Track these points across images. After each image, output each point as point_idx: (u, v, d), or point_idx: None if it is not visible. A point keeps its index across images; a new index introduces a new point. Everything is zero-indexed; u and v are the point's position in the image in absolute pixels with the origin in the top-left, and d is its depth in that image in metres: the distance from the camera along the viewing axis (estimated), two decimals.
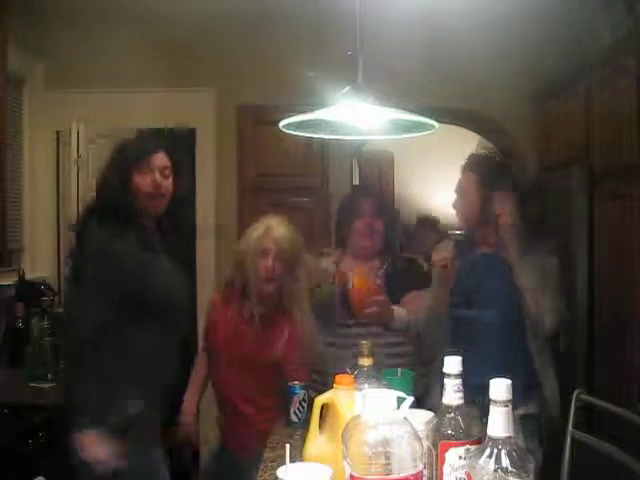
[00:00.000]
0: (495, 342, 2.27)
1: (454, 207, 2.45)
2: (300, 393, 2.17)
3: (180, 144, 3.86)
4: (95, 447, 1.91)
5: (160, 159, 2.16)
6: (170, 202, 2.20)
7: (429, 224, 4.66)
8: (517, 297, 2.24)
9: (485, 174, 2.37)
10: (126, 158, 2.14)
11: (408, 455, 1.09)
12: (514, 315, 2.26)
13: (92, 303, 1.97)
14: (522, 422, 2.10)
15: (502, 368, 2.03)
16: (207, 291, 3.72)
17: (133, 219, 2.10)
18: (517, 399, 2.00)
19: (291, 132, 1.79)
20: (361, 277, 2.53)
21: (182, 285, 2.22)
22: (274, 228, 2.43)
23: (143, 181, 2.11)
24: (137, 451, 1.98)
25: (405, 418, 1.13)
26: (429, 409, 1.38)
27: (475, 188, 2.36)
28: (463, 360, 1.15)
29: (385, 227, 2.65)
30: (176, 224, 2.29)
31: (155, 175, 2.13)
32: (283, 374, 2.29)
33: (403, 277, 2.60)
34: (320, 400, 1.54)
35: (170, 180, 2.18)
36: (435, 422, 1.22)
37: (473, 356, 2.13)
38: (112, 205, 2.08)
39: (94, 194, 2.21)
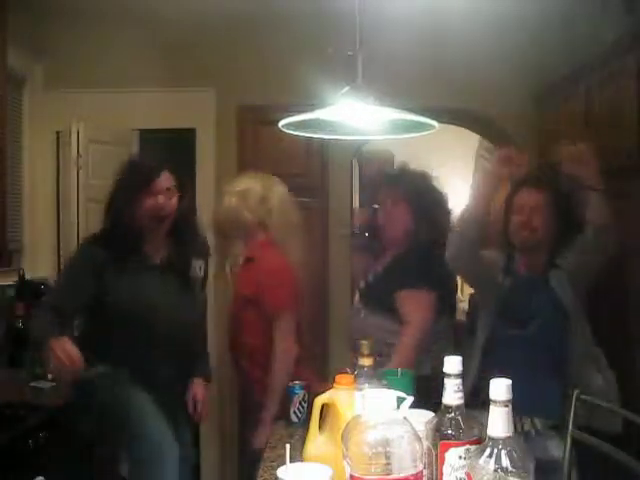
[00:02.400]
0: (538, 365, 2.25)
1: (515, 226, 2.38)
2: (300, 393, 2.17)
3: (180, 144, 3.88)
4: (65, 351, 2.02)
5: (164, 180, 2.21)
6: (175, 218, 2.25)
7: None
8: (561, 317, 2.26)
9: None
10: (130, 184, 2.21)
11: (408, 455, 1.09)
12: (559, 333, 2.26)
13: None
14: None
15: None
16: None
17: (137, 242, 2.16)
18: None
19: (291, 132, 1.79)
20: None
21: (175, 304, 2.31)
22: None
23: (148, 205, 2.19)
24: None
25: (405, 418, 1.13)
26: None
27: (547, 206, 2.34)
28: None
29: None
30: (182, 239, 2.32)
31: (159, 198, 2.17)
32: None
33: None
34: (320, 400, 1.54)
35: (174, 199, 2.22)
36: (435, 422, 1.22)
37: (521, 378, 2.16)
38: (118, 231, 2.18)
39: (102, 220, 2.30)
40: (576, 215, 2.33)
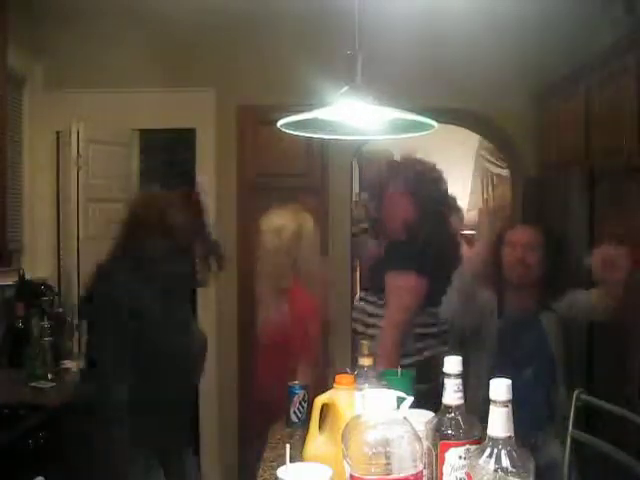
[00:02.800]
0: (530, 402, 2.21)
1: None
2: (300, 393, 2.17)
3: (180, 144, 3.88)
4: None
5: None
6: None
7: None
8: (552, 357, 2.28)
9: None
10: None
11: (408, 455, 1.09)
12: (549, 375, 2.28)
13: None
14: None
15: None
16: (207, 291, 3.74)
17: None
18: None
19: (290, 132, 1.79)
20: None
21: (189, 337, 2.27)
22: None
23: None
24: None
25: (405, 418, 1.13)
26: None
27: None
28: None
29: None
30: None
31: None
32: None
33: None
34: (320, 400, 1.54)
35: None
36: (435, 422, 1.22)
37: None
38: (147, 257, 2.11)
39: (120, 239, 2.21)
40: (567, 259, 2.35)
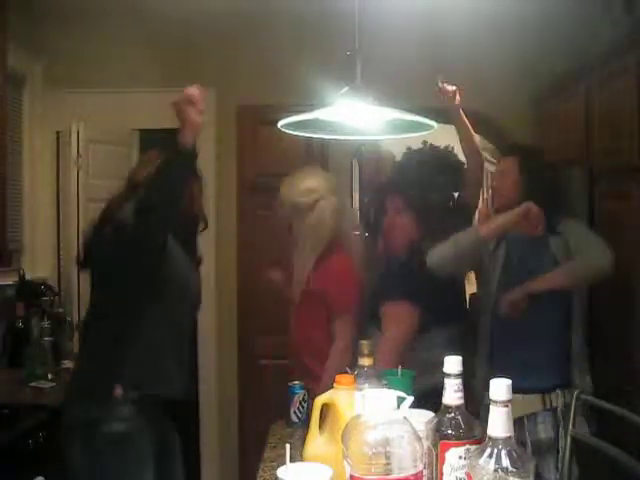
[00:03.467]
0: (547, 328, 2.32)
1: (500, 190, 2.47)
2: (300, 393, 2.17)
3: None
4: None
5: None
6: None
7: None
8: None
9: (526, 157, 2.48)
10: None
11: (408, 455, 1.09)
12: (562, 305, 2.33)
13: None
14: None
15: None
16: (207, 291, 3.74)
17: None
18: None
19: (290, 132, 1.79)
20: None
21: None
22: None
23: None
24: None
25: (405, 418, 1.13)
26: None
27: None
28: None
29: None
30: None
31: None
32: None
33: None
34: (320, 400, 1.54)
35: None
36: (435, 422, 1.22)
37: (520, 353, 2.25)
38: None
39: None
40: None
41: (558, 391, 2.26)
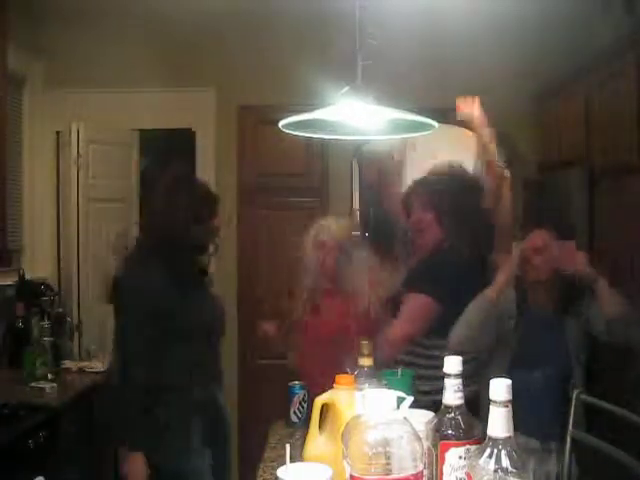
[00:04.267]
0: (547, 398, 2.23)
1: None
2: (300, 393, 2.17)
3: (180, 144, 3.88)
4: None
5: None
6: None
7: None
8: (568, 356, 2.26)
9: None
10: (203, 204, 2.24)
11: (408, 455, 1.09)
12: (565, 374, 2.26)
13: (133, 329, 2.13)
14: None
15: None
16: None
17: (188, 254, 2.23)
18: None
19: (291, 132, 1.79)
20: None
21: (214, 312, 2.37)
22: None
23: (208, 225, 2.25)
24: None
25: (405, 418, 1.13)
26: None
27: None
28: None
29: None
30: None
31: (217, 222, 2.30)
32: None
33: None
34: (320, 400, 1.54)
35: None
36: (435, 422, 1.22)
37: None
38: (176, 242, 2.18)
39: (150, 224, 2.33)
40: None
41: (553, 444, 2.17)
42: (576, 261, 2.24)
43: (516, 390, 2.25)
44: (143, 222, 2.38)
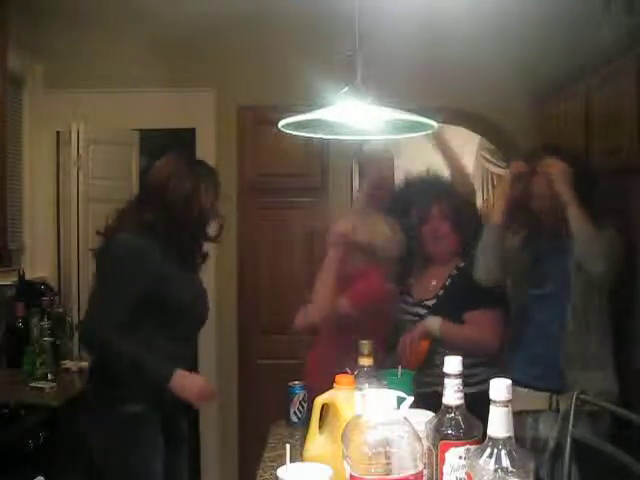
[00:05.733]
0: (559, 333, 2.34)
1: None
2: (300, 393, 2.17)
3: (180, 144, 3.87)
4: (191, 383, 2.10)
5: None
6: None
7: None
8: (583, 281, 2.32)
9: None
10: (204, 183, 2.23)
11: (408, 455, 1.09)
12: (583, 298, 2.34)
13: (112, 303, 2.11)
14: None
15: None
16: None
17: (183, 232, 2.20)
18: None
19: (290, 132, 1.79)
20: None
21: (201, 295, 2.35)
22: None
23: (207, 204, 2.22)
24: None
25: (405, 418, 1.13)
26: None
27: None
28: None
29: None
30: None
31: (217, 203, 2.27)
32: None
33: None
34: (320, 400, 1.54)
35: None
36: (435, 422, 1.22)
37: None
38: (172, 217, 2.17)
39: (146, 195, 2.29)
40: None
41: (564, 394, 2.22)
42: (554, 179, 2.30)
43: (527, 320, 2.25)
44: (142, 196, 2.32)
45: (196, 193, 2.20)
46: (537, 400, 2.31)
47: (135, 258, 2.13)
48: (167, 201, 2.18)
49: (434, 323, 2.48)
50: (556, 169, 2.32)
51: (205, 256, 2.38)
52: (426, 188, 2.83)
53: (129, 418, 2.09)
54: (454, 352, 1.27)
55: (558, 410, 2.24)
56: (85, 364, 3.20)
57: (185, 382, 2.10)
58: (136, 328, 2.11)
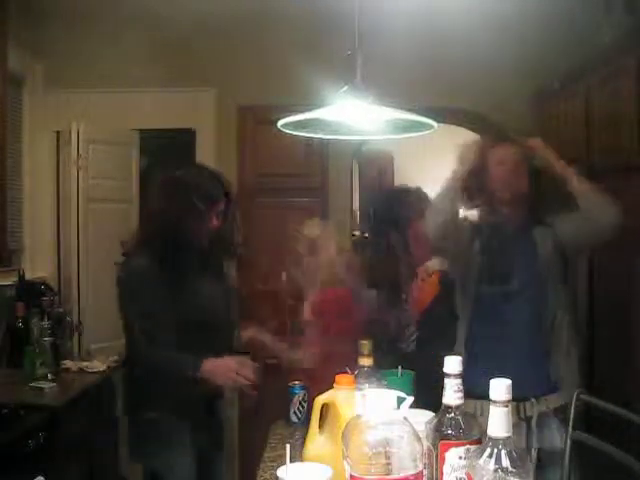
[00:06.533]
0: (526, 326, 2.26)
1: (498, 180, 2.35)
2: (300, 393, 2.17)
3: (180, 144, 3.88)
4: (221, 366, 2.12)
5: (221, 205, 2.26)
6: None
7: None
8: (541, 273, 2.26)
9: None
10: (194, 200, 2.20)
11: (408, 455, 1.09)
12: (545, 299, 2.26)
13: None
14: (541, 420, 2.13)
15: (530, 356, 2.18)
16: None
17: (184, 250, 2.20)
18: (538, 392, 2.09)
19: (289, 132, 1.79)
20: None
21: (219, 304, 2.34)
22: None
23: (202, 222, 2.21)
24: None
25: (405, 418, 1.13)
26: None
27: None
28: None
29: None
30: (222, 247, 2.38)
31: (213, 218, 2.23)
32: None
33: None
34: (320, 400, 1.54)
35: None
36: (435, 422, 1.22)
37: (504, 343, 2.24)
38: (168, 239, 2.17)
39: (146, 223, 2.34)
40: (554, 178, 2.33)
41: (533, 400, 2.18)
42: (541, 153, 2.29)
43: (483, 322, 2.22)
44: (142, 222, 2.35)
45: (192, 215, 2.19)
46: None
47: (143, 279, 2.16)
48: (163, 227, 2.19)
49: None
50: (540, 144, 2.31)
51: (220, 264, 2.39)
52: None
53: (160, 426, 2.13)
54: None
55: (525, 418, 2.18)
56: (85, 364, 3.21)
57: (214, 366, 2.11)
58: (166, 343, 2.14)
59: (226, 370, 2.12)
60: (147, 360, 2.15)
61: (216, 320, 2.28)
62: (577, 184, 2.22)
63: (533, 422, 2.18)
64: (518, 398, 2.14)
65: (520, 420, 2.17)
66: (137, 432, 2.23)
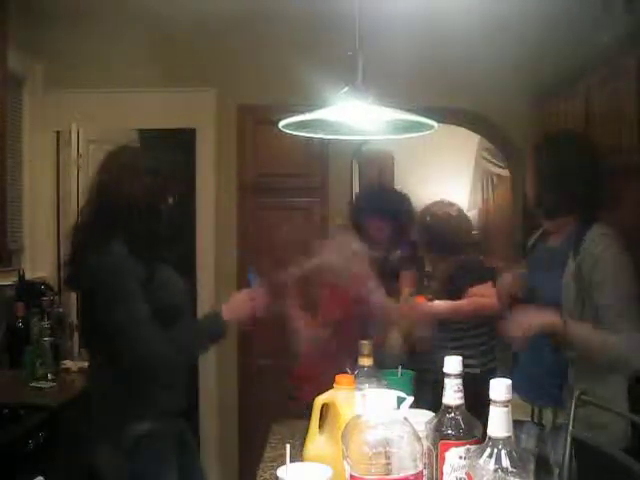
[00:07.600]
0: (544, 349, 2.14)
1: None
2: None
3: (180, 144, 3.88)
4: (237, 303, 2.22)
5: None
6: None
7: None
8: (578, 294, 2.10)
9: None
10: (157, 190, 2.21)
11: (408, 455, 1.09)
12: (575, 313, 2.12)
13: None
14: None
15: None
16: (207, 291, 3.74)
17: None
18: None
19: (290, 132, 1.79)
20: None
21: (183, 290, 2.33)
22: None
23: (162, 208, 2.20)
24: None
25: (405, 418, 1.13)
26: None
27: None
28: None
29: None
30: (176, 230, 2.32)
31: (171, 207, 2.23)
32: None
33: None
34: (320, 400, 1.54)
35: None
36: (435, 422, 1.22)
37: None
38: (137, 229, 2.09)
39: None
40: None
41: (549, 409, 2.12)
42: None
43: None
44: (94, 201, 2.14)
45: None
46: (518, 408, 2.21)
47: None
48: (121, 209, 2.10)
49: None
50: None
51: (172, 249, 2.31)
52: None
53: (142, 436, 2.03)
54: None
55: (539, 423, 2.14)
56: (85, 364, 3.20)
57: (232, 307, 2.23)
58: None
59: (243, 304, 2.23)
60: (164, 354, 2.01)
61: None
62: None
63: (546, 432, 2.16)
64: (535, 401, 2.15)
65: (532, 423, 2.14)
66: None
